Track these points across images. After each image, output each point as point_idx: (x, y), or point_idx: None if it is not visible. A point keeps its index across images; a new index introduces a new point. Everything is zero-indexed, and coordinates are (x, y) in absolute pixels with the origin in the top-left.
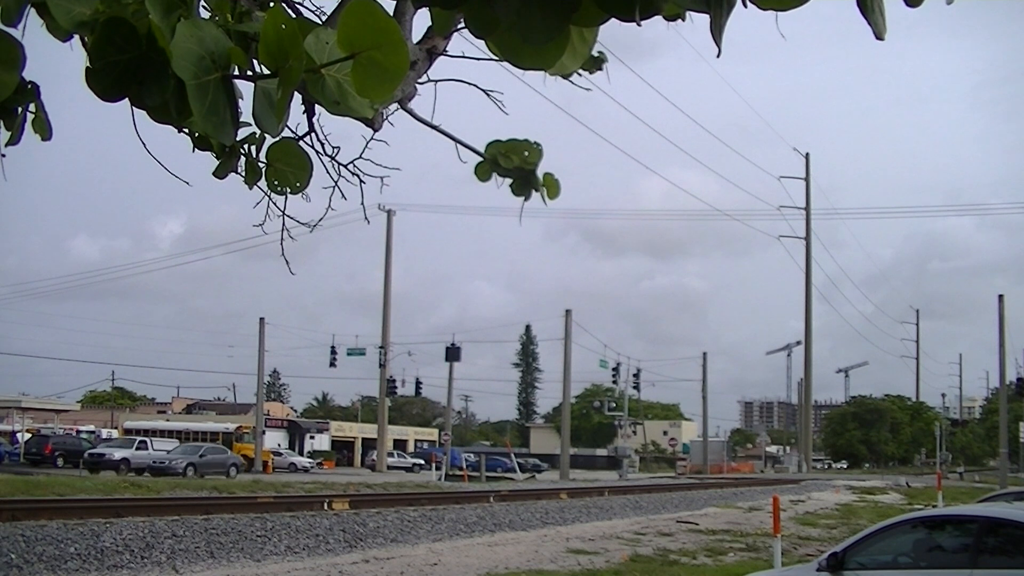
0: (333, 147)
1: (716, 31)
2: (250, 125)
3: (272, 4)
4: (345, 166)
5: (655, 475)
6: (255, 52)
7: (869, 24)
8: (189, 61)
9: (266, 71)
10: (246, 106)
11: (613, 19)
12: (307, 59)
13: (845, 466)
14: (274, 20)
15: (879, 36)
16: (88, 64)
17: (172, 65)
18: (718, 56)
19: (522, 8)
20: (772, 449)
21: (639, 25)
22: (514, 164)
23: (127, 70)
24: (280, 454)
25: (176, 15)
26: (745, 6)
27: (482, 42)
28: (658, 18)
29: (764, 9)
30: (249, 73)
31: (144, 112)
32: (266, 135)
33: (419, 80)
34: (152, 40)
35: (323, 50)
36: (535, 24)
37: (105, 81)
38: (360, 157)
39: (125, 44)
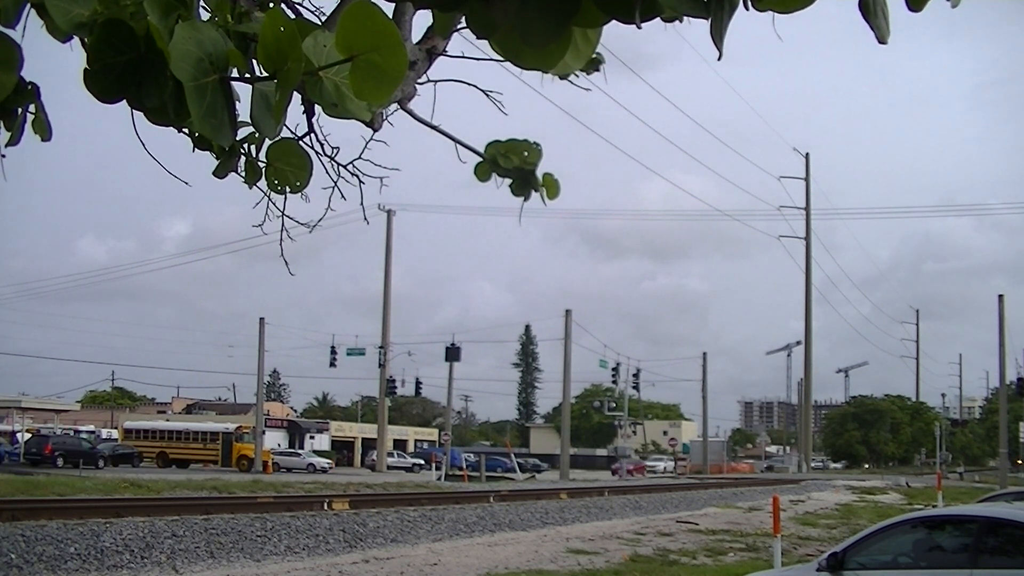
0: (333, 147)
1: (717, 35)
2: (249, 126)
3: (272, 5)
4: (345, 166)
5: (655, 475)
6: (254, 53)
7: (872, 28)
8: (187, 63)
9: (264, 73)
10: (245, 107)
11: (615, 29)
12: (305, 61)
13: (842, 465)
14: (273, 22)
15: (882, 40)
16: (86, 65)
17: (170, 67)
18: (719, 59)
19: (521, 10)
20: (772, 449)
21: (639, 27)
22: (514, 164)
23: (125, 72)
24: (298, 454)
25: (174, 16)
26: (747, 8)
27: (482, 42)
28: (661, 33)
29: (763, 11)
30: (247, 75)
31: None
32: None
33: (419, 80)
34: (150, 42)
35: (321, 52)
36: (535, 26)
37: (103, 83)
38: (360, 158)
39: (123, 46)
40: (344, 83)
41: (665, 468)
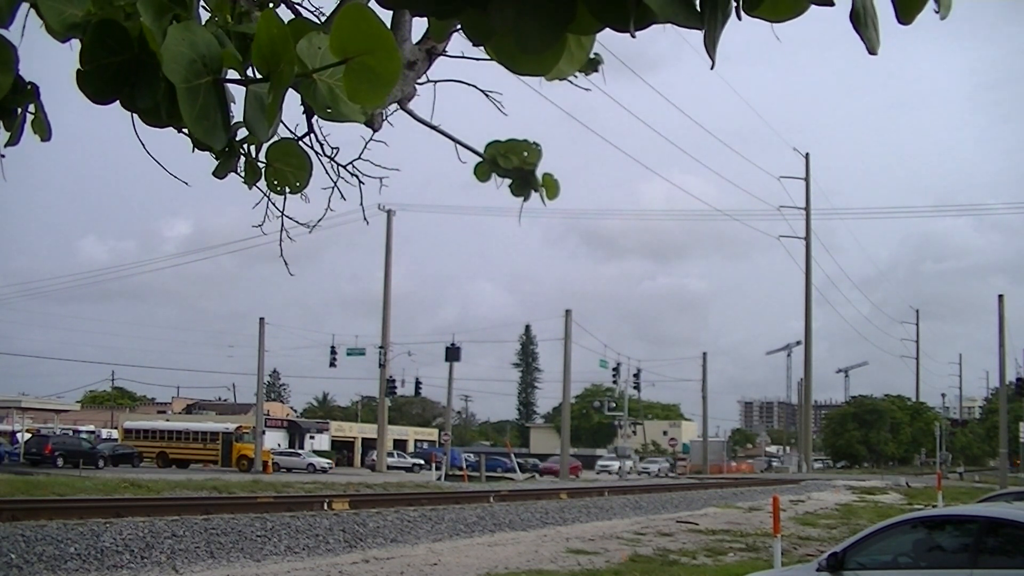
0: (332, 148)
1: (710, 44)
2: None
3: (271, 5)
4: (344, 167)
5: (655, 475)
6: None
7: (862, 39)
8: (180, 64)
9: (259, 75)
10: (241, 109)
11: (615, 33)
12: (299, 63)
13: (837, 465)
14: (266, 24)
15: (872, 51)
16: (79, 66)
17: (163, 68)
18: (712, 68)
19: (518, 17)
20: (772, 449)
21: (633, 36)
22: (513, 164)
23: (118, 73)
24: (298, 454)
25: (168, 17)
26: (740, 18)
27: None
28: (661, 36)
29: (758, 18)
30: (240, 77)
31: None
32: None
33: (419, 81)
34: (144, 43)
35: (315, 55)
36: (531, 33)
37: (96, 83)
38: (359, 158)
39: (117, 46)
40: (338, 85)
41: (621, 467)
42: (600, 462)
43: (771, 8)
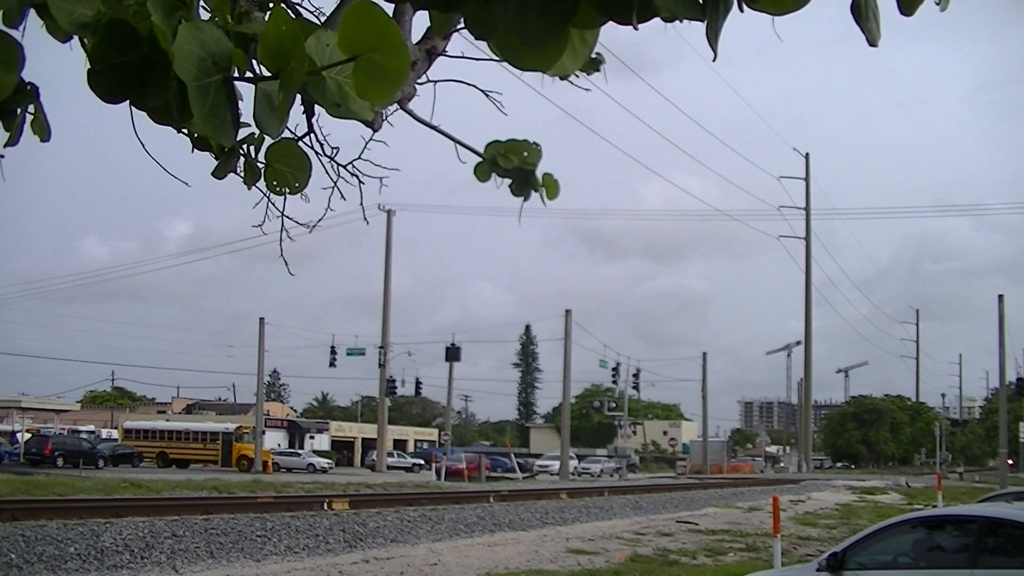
0: (332, 147)
1: (712, 36)
2: (250, 126)
3: (272, 5)
4: (344, 166)
5: (655, 475)
6: (254, 53)
7: (863, 31)
8: (191, 63)
9: (267, 73)
10: (246, 107)
11: (617, 33)
12: (308, 61)
13: (829, 467)
14: (275, 22)
15: (872, 43)
16: (89, 66)
17: (174, 67)
18: (714, 60)
19: (521, 11)
20: (772, 449)
21: (636, 28)
22: (513, 164)
23: (129, 72)
24: (298, 454)
25: (177, 16)
26: (742, 10)
27: (482, 42)
28: (661, 38)
29: (760, 11)
30: (250, 75)
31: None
32: (265, 135)
33: (419, 80)
34: (154, 42)
35: (324, 52)
36: (534, 27)
37: (107, 83)
38: (359, 158)
39: (127, 46)
40: (347, 82)
41: (562, 467)
42: (539, 462)
43: (774, 0)
